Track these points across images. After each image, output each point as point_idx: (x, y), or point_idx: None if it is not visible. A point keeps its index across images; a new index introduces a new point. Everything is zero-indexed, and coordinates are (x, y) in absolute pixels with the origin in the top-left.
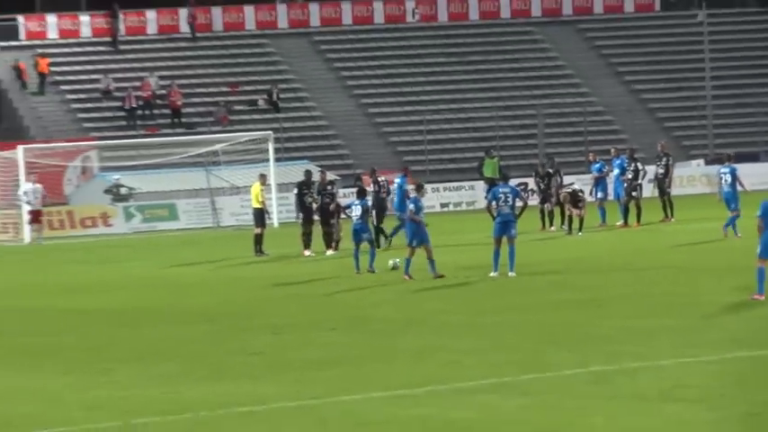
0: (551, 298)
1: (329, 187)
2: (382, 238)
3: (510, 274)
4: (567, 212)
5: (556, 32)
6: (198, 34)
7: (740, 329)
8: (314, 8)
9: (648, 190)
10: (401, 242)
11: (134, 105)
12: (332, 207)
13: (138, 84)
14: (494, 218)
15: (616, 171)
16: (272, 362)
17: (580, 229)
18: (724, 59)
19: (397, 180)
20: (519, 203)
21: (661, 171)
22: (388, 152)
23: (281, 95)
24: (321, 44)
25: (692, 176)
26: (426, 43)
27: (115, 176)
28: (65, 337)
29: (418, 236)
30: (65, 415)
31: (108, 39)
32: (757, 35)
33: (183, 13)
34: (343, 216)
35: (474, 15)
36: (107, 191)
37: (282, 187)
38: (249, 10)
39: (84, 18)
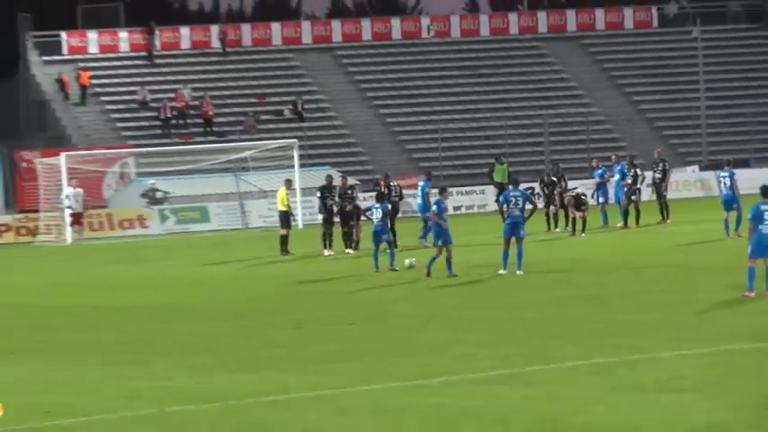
0: (556, 295)
1: (349, 191)
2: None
3: (518, 272)
4: (571, 215)
5: (560, 47)
6: (228, 49)
7: (732, 324)
8: (336, 25)
9: (646, 194)
10: (414, 242)
11: (169, 115)
12: (348, 208)
13: (172, 95)
14: (504, 219)
15: (617, 176)
16: (295, 354)
17: (583, 231)
18: (717, 72)
19: (421, 183)
20: (528, 206)
21: (658, 176)
22: (405, 159)
23: (306, 106)
24: (342, 58)
25: (688, 181)
26: (440, 57)
27: (151, 181)
28: (104, 332)
29: (442, 236)
30: (104, 404)
31: (145, 53)
32: (748, 50)
33: (214, 29)
34: (363, 218)
35: (485, 32)
36: (143, 195)
37: (306, 191)
38: (276, 26)
39: (123, 34)
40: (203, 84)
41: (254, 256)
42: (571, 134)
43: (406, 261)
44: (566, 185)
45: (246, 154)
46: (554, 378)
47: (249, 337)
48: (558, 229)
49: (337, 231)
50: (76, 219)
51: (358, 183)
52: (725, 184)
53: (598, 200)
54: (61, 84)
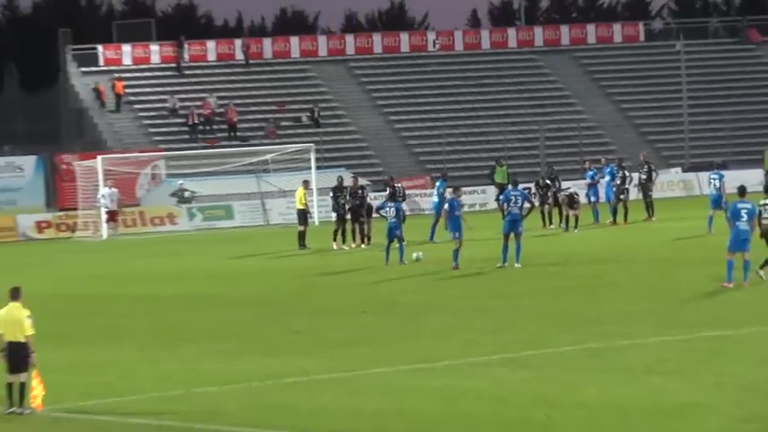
0: (551, 285)
1: (360, 191)
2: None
3: (516, 265)
4: (565, 213)
5: (555, 60)
6: (251, 61)
7: (712, 312)
8: (349, 39)
9: (634, 193)
10: (423, 237)
11: (196, 121)
12: (356, 204)
13: (199, 103)
14: (504, 217)
15: (607, 177)
16: (312, 340)
17: (576, 227)
18: (698, 82)
19: (438, 183)
20: (526, 205)
21: (643, 177)
22: (412, 161)
23: (321, 113)
24: (355, 69)
25: (671, 182)
26: (445, 68)
27: (180, 182)
28: (138, 319)
29: (456, 229)
30: (138, 384)
31: (174, 65)
32: (727, 62)
33: (238, 42)
34: (375, 215)
35: (486, 45)
36: (173, 194)
37: (322, 191)
38: (294, 40)
39: (154, 47)
40: (228, 92)
41: (275, 251)
42: (565, 139)
43: (414, 255)
44: (560, 186)
45: (267, 157)
46: (549, 361)
47: (270, 324)
48: (552, 226)
49: (350, 227)
50: (112, 216)
51: (369, 183)
52: (714, 184)
53: (590, 199)
54: (98, 93)
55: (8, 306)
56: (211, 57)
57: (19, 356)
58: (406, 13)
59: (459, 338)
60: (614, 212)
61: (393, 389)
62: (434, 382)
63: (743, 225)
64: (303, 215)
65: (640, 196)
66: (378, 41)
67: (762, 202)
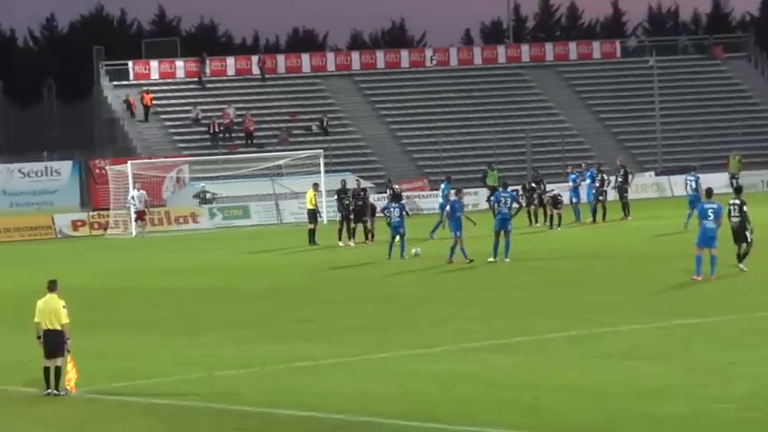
0: (537, 278)
1: (362, 193)
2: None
3: (505, 260)
4: (549, 212)
5: (540, 74)
6: (266, 75)
7: (683, 303)
8: (355, 55)
9: (612, 195)
10: (422, 235)
11: (217, 130)
12: (358, 204)
13: (219, 113)
14: (495, 216)
15: (587, 180)
16: (320, 328)
17: (559, 225)
18: (670, 94)
19: (442, 186)
20: (515, 205)
21: (620, 180)
22: (412, 166)
23: (330, 122)
24: (360, 83)
25: (645, 185)
26: (441, 82)
27: (202, 185)
28: (162, 309)
29: (456, 229)
30: (162, 369)
31: (197, 79)
32: (695, 76)
33: (254, 59)
34: (379, 214)
35: (478, 61)
36: (196, 195)
37: (330, 193)
38: (305, 57)
39: (179, 63)
40: (245, 104)
41: (287, 247)
42: (549, 145)
43: (413, 250)
44: (544, 188)
45: (280, 162)
46: (536, 347)
47: (282, 313)
48: (538, 224)
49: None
50: (140, 216)
51: (372, 186)
52: (691, 186)
53: (572, 200)
54: (128, 104)
55: (46, 297)
56: (231, 71)
57: (55, 343)
58: (407, 32)
59: (455, 326)
60: (594, 212)
61: (395, 372)
62: (432, 367)
63: (709, 223)
64: (313, 214)
65: (617, 197)
66: (381, 58)
67: (731, 201)
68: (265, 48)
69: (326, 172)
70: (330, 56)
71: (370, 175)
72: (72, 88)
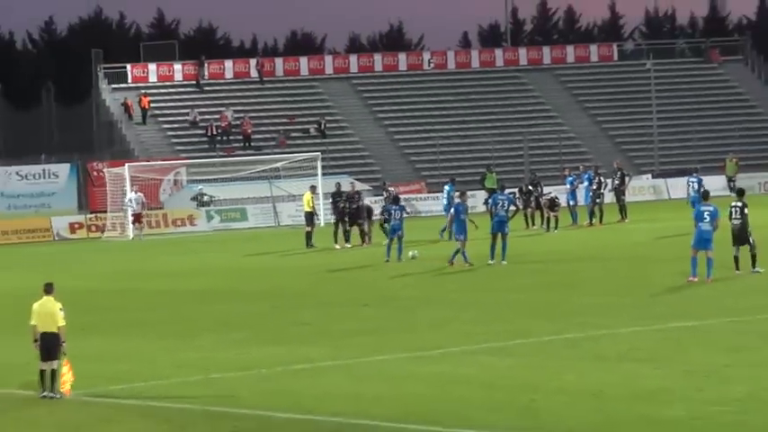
0: (535, 281)
1: (356, 196)
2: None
3: (503, 262)
4: (546, 215)
5: (538, 77)
6: (264, 78)
7: (680, 305)
8: (353, 58)
9: (609, 197)
10: (415, 236)
11: (214, 133)
12: (353, 207)
13: (217, 116)
14: (492, 218)
15: (585, 183)
16: (318, 330)
17: (556, 228)
18: (666, 97)
19: (447, 188)
20: (512, 208)
21: (617, 182)
22: (409, 169)
23: (327, 125)
24: (358, 86)
25: (642, 187)
26: (439, 85)
27: (199, 187)
28: (159, 312)
29: (460, 231)
30: (158, 371)
31: (195, 81)
32: (692, 79)
33: (252, 62)
34: (377, 216)
35: (475, 64)
36: (193, 198)
37: (328, 195)
38: (303, 60)
39: (177, 66)
40: (243, 107)
41: (284, 249)
42: (546, 148)
43: (410, 253)
44: (541, 191)
45: (278, 164)
46: (533, 350)
47: (280, 316)
48: (535, 227)
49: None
50: (137, 218)
51: (369, 188)
52: (693, 187)
53: (569, 202)
54: (126, 107)
55: (42, 299)
56: (229, 74)
57: (51, 345)
58: (404, 36)
59: (452, 329)
60: (591, 215)
61: (392, 375)
62: (429, 369)
63: (705, 226)
64: (310, 217)
65: (614, 200)
66: (378, 61)
67: (732, 204)
68: (263, 51)
69: (324, 175)
70: (328, 59)
71: (368, 178)
72: (70, 91)
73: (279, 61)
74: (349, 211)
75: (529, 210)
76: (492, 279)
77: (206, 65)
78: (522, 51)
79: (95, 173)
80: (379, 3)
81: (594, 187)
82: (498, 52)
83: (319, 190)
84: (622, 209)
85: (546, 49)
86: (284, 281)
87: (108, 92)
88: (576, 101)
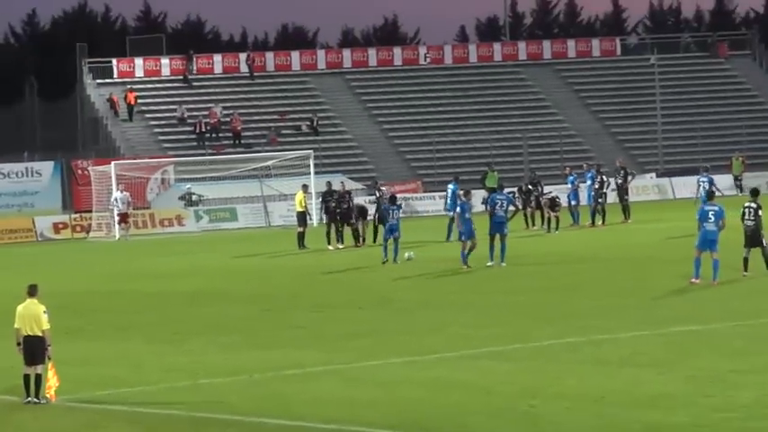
0: (534, 283)
1: (346, 196)
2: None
3: (502, 264)
4: (547, 215)
5: (537, 72)
6: (254, 73)
7: (683, 309)
8: (346, 53)
9: (612, 197)
10: (411, 237)
11: (203, 130)
12: (343, 207)
13: (206, 113)
14: (491, 219)
15: (588, 182)
16: (311, 334)
17: (557, 229)
18: (671, 93)
19: (451, 187)
20: (511, 208)
21: (619, 181)
22: (405, 167)
23: (320, 122)
24: (352, 81)
25: (646, 186)
26: (435, 81)
27: (188, 186)
28: (146, 315)
29: (467, 232)
30: (146, 376)
31: (183, 77)
32: (697, 75)
33: (242, 56)
34: (369, 217)
35: (473, 59)
36: (181, 197)
37: (320, 195)
38: (295, 54)
39: (165, 61)
40: (233, 103)
41: (276, 250)
42: (546, 146)
43: (406, 254)
44: (542, 190)
45: (269, 163)
46: (533, 354)
47: (272, 319)
48: (535, 227)
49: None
50: (123, 218)
51: (363, 187)
52: (704, 186)
53: (570, 202)
54: (112, 103)
55: (26, 302)
56: (218, 69)
57: (36, 349)
58: (399, 29)
59: (450, 332)
60: (593, 215)
61: (387, 380)
62: (426, 374)
63: (710, 226)
64: (302, 217)
65: (617, 200)
66: (373, 55)
67: (746, 204)
68: (254, 45)
69: (316, 173)
70: (321, 53)
71: (362, 177)
72: (54, 86)
73: (269, 56)
74: (340, 212)
75: (529, 210)
76: (491, 281)
77: (194, 59)
78: (522, 46)
79: (80, 171)
80: None
81: (597, 186)
82: (497, 47)
83: (312, 189)
84: (625, 209)
85: (546, 44)
86: (276, 283)
87: (93, 87)
88: (578, 97)
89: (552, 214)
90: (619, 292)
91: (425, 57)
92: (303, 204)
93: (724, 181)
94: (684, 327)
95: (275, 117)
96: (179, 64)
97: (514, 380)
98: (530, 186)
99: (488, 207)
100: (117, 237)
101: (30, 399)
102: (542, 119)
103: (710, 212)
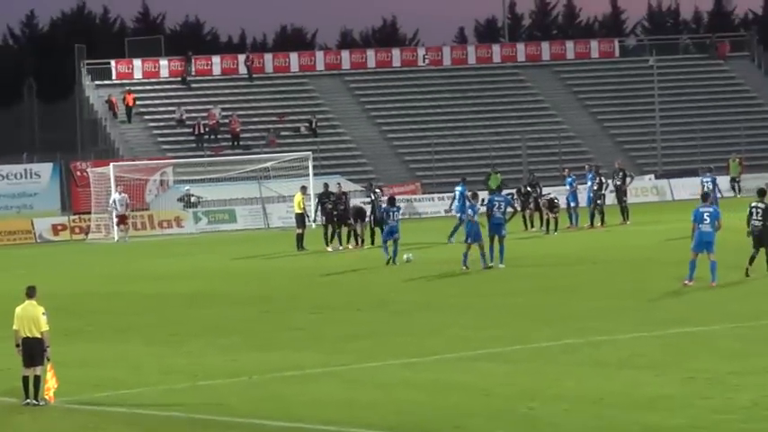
0: (533, 285)
1: (343, 197)
2: (378, 236)
3: (500, 266)
4: (545, 217)
5: (536, 74)
6: (253, 75)
7: (682, 310)
8: (345, 54)
9: (610, 198)
10: (410, 239)
11: (202, 131)
12: (340, 209)
13: (205, 114)
14: (488, 220)
15: (589, 183)
16: (310, 336)
17: (555, 230)
18: (670, 95)
19: (458, 188)
20: (509, 210)
21: (617, 183)
22: (403, 169)
23: (319, 123)
24: (350, 83)
25: (645, 188)
26: (434, 82)
27: (186, 188)
28: (145, 316)
29: (474, 235)
30: (145, 378)
31: (181, 78)
32: (696, 76)
33: (241, 58)
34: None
35: (472, 60)
36: (180, 199)
37: (317, 196)
38: (294, 56)
39: (163, 62)
40: (232, 104)
41: (275, 252)
42: (545, 148)
43: (405, 256)
44: (540, 191)
45: (268, 164)
46: (531, 356)
47: (271, 320)
48: (533, 229)
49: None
50: (122, 220)
51: (362, 189)
52: (708, 186)
53: (569, 203)
54: (110, 104)
55: (24, 303)
56: (216, 71)
57: (34, 351)
58: (398, 31)
59: (448, 334)
60: (592, 217)
61: (386, 382)
62: (425, 376)
63: (705, 227)
64: (301, 219)
65: (616, 201)
66: (371, 57)
67: (753, 204)
68: (252, 46)
69: (315, 175)
70: (319, 55)
71: (361, 178)
72: (53, 88)
73: (268, 57)
74: (336, 213)
75: (527, 211)
76: (489, 283)
77: (193, 61)
78: (521, 47)
79: (79, 173)
80: None
81: (595, 188)
82: (495, 48)
83: (310, 191)
84: (624, 210)
85: (545, 45)
86: (275, 284)
87: (92, 88)
88: (577, 98)
89: (551, 216)
90: (617, 293)
91: (424, 58)
92: (302, 206)
93: (722, 183)
94: (683, 328)
95: (274, 118)
96: (178, 65)
97: (513, 381)
98: (528, 188)
99: (487, 209)
100: (116, 238)
101: (28, 400)
102: (541, 120)
103: (705, 214)
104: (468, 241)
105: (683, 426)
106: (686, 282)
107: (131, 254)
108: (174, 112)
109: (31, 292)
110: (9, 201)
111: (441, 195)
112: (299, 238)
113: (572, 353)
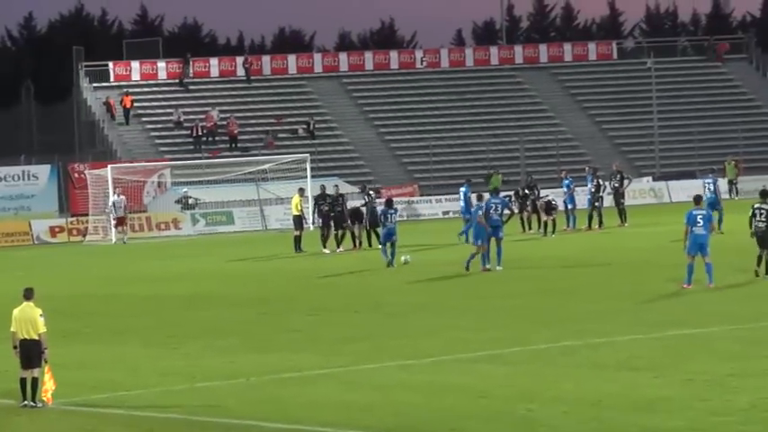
0: (531, 287)
1: (339, 199)
2: (374, 238)
3: (498, 267)
4: (543, 219)
5: (534, 76)
6: (251, 77)
7: (680, 312)
8: (343, 56)
9: (608, 200)
10: (408, 240)
11: (200, 133)
12: (337, 211)
13: (203, 116)
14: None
15: (589, 185)
16: (308, 338)
17: (553, 232)
18: (667, 97)
19: (463, 189)
20: (507, 212)
21: (615, 185)
22: (401, 171)
23: (316, 125)
24: (348, 85)
25: (643, 190)
26: (432, 84)
27: (184, 189)
28: (143, 318)
29: (481, 236)
30: (143, 380)
31: (179, 80)
32: (694, 78)
33: (239, 60)
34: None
35: (470, 62)
36: (178, 201)
37: (314, 198)
38: (291, 58)
39: (161, 64)
40: (229, 106)
41: (272, 254)
42: (543, 150)
43: (402, 258)
44: (538, 193)
45: (266, 166)
46: (529, 358)
47: (268, 322)
48: (531, 231)
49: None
50: (120, 221)
51: (359, 191)
52: (709, 188)
53: (566, 206)
54: (108, 106)
55: (22, 305)
56: (214, 73)
57: (32, 353)
58: (396, 33)
59: (446, 336)
60: (590, 219)
61: (383, 383)
62: (422, 378)
63: (699, 230)
64: (299, 221)
65: (613, 204)
66: (369, 59)
67: (756, 205)
68: (250, 48)
69: (313, 177)
70: (317, 57)
71: (358, 180)
72: (51, 90)
73: (266, 59)
74: (333, 215)
75: (525, 213)
76: (487, 285)
77: (191, 63)
78: (518, 49)
79: (77, 174)
80: None
81: (593, 190)
82: (493, 50)
83: (308, 193)
84: (622, 212)
85: (543, 47)
86: (272, 286)
87: (89, 90)
88: (575, 101)
89: (548, 218)
90: (615, 295)
91: (422, 60)
92: (299, 208)
93: (721, 185)
94: (681, 330)
95: (272, 121)
96: (175, 67)
97: (511, 383)
98: (526, 190)
99: (486, 211)
100: (113, 240)
101: (26, 402)
102: (539, 122)
103: (699, 216)
104: (479, 243)
105: (681, 428)
106: (685, 285)
107: (129, 256)
108: (171, 114)
109: (28, 294)
110: (7, 202)
111: (438, 197)
112: (297, 239)
113: (570, 355)
